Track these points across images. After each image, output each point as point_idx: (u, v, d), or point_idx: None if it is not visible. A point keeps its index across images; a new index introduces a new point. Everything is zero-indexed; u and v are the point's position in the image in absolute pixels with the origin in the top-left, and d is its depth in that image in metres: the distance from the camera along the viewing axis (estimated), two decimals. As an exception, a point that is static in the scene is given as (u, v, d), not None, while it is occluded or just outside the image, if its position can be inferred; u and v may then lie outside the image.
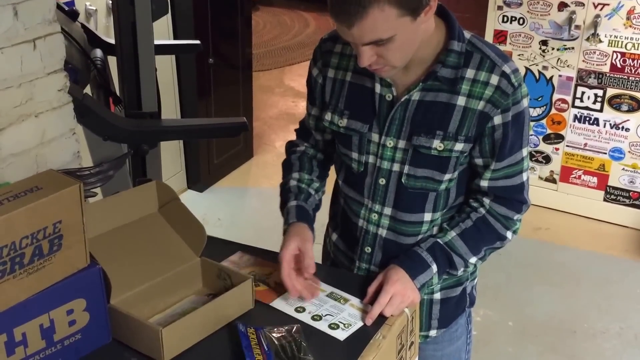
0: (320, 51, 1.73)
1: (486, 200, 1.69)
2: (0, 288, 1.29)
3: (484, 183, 1.66)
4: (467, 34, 1.60)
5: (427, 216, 1.69)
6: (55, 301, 1.40)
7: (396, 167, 1.65)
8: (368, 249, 1.77)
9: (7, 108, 1.77)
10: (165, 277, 1.63)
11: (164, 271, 1.64)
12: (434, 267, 1.64)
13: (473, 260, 1.69)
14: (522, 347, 3.23)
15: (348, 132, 1.68)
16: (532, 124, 4.26)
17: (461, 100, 1.57)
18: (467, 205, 1.72)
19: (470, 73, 1.57)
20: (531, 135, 4.28)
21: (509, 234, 1.70)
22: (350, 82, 1.68)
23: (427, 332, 1.82)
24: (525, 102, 1.60)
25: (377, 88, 1.63)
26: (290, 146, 1.91)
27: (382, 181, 1.68)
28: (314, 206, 1.80)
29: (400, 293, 1.58)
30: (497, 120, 1.58)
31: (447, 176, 1.64)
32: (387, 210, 1.70)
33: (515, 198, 1.68)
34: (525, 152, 1.65)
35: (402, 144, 1.62)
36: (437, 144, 1.59)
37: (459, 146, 1.59)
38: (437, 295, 1.78)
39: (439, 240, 1.67)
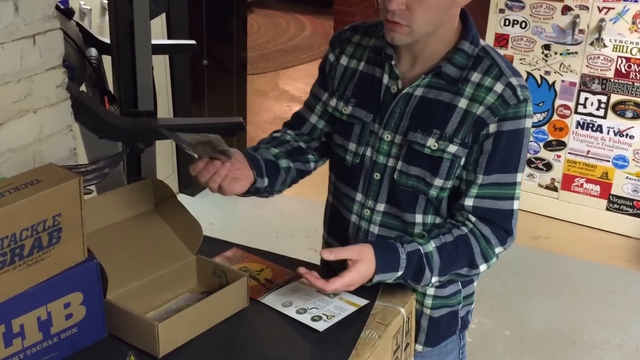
0: (339, 38, 1.75)
1: (472, 218, 1.59)
2: (0, 279, 1.30)
3: (469, 202, 1.58)
4: (483, 42, 1.60)
5: (419, 218, 1.65)
6: (53, 294, 1.41)
7: (391, 162, 1.63)
8: None
9: (6, 103, 1.77)
10: (160, 274, 1.63)
11: (159, 268, 1.64)
12: (400, 273, 1.55)
13: (435, 280, 1.59)
14: (520, 357, 3.19)
15: (351, 119, 1.68)
16: (532, 129, 4.24)
17: (463, 103, 1.55)
18: (452, 219, 1.64)
19: (476, 77, 1.56)
20: (531, 142, 4.26)
21: (482, 266, 1.60)
22: (361, 72, 1.68)
23: (414, 344, 1.78)
24: (527, 122, 1.56)
25: (385, 79, 1.63)
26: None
27: (376, 175, 1.66)
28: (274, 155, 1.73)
29: (357, 283, 1.53)
30: (492, 128, 1.54)
31: (438, 182, 1.59)
32: (380, 207, 1.67)
33: (502, 225, 1.59)
34: (519, 177, 1.59)
35: (398, 139, 1.61)
36: (431, 142, 1.57)
37: (452, 148, 1.56)
38: (427, 311, 1.74)
39: (421, 248, 1.56)
